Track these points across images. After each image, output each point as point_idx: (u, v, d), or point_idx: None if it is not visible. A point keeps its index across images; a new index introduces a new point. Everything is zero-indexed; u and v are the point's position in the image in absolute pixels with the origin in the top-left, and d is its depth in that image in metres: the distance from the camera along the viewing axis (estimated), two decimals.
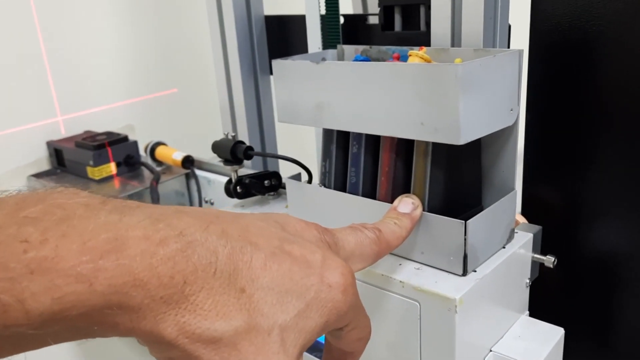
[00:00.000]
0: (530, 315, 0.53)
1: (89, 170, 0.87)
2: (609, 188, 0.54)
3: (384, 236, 0.37)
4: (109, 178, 0.88)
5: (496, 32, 0.49)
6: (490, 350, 0.47)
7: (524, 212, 0.61)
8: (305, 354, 0.55)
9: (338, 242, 0.32)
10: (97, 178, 0.86)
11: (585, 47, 0.51)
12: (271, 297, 0.25)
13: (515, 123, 0.46)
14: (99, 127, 1.01)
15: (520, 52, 0.44)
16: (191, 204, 0.87)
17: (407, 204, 0.43)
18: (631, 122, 0.51)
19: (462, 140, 0.39)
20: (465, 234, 0.42)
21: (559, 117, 0.55)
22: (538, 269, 0.54)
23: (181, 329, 0.23)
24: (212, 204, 0.82)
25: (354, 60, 0.50)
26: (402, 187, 0.47)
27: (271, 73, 0.69)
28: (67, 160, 0.92)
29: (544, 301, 0.56)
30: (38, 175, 0.94)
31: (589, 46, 0.51)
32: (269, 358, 0.24)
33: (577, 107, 0.54)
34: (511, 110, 0.44)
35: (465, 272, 0.44)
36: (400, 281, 0.44)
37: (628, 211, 0.54)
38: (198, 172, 0.84)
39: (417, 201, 0.44)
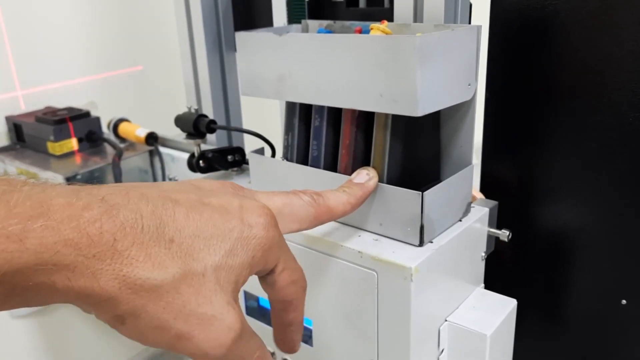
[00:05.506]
0: (486, 288, 0.55)
1: (50, 145, 0.85)
2: (562, 166, 0.56)
3: (325, 201, 0.38)
4: (70, 154, 0.86)
5: (457, 10, 0.50)
6: (446, 320, 0.49)
7: (482, 189, 0.62)
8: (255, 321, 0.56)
9: (256, 198, 0.33)
10: (57, 154, 0.85)
11: (542, 26, 0.52)
12: (198, 243, 0.27)
13: (473, 98, 0.46)
14: (61, 103, 0.99)
15: (479, 27, 0.44)
16: (155, 181, 0.86)
17: (363, 175, 0.44)
18: (583, 102, 0.53)
19: (419, 112, 0.40)
20: (422, 205, 0.43)
21: (516, 96, 0.57)
22: (494, 243, 0.55)
23: (122, 282, 0.24)
24: (175, 181, 0.82)
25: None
26: (362, 159, 0.48)
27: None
28: (27, 136, 0.90)
29: (499, 275, 0.57)
30: None
31: (546, 25, 0.52)
32: (208, 296, 0.26)
33: (533, 87, 0.55)
34: (469, 85, 0.45)
35: (422, 243, 0.45)
36: (359, 251, 0.45)
37: (579, 189, 0.56)
38: (162, 149, 0.83)
39: (372, 172, 0.45)
